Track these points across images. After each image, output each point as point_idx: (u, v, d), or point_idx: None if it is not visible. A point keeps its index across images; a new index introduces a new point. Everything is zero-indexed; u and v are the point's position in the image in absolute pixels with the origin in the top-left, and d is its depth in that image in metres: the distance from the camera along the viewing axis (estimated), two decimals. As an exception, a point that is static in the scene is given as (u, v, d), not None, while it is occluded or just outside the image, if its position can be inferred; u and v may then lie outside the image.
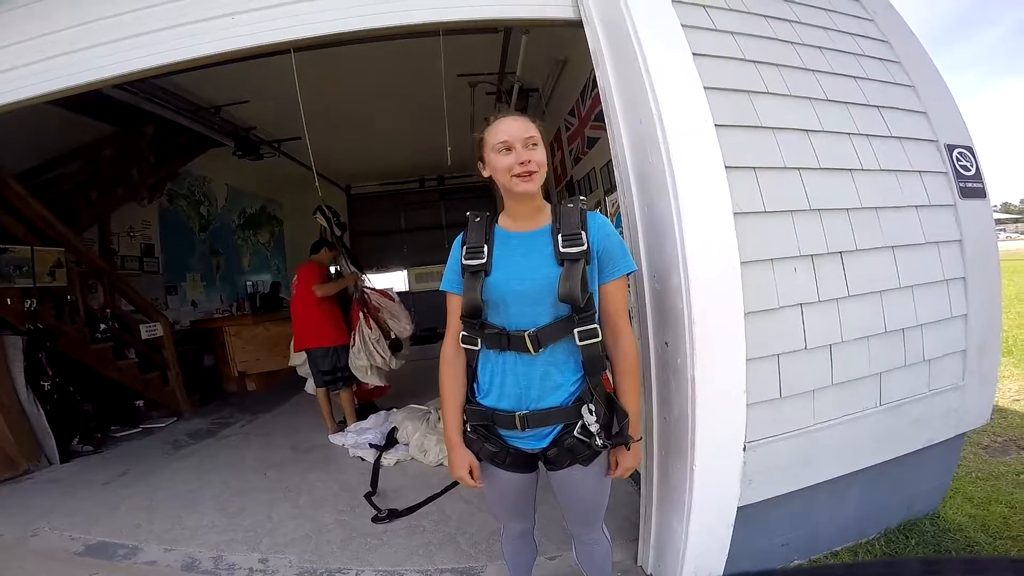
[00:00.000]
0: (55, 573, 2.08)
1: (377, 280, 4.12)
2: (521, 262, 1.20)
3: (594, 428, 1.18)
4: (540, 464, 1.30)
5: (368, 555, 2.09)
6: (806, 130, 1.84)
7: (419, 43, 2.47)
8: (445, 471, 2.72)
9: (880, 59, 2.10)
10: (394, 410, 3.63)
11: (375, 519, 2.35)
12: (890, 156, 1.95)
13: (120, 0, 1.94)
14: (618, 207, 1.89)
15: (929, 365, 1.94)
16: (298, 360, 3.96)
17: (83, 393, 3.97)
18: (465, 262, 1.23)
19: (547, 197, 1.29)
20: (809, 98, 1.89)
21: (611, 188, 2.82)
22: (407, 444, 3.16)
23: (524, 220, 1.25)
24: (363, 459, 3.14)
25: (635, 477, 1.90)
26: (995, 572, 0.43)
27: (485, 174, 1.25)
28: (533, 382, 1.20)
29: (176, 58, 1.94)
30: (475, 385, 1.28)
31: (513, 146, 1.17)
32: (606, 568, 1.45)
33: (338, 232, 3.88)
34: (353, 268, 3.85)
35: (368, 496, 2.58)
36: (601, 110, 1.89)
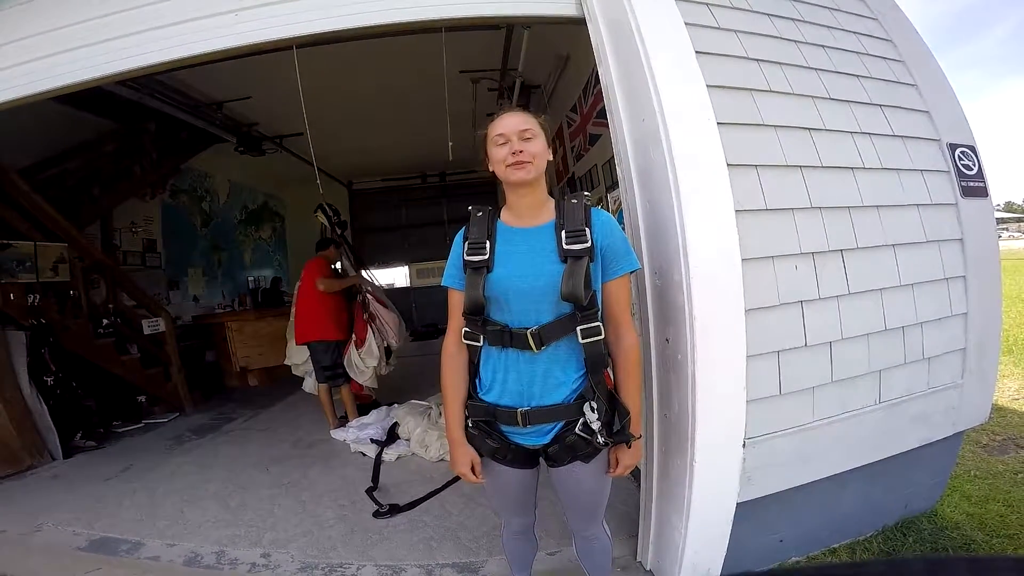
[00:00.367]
0: (58, 569, 2.09)
1: (379, 276, 4.12)
2: (524, 259, 1.20)
3: (595, 426, 1.18)
4: (541, 460, 1.31)
5: (369, 550, 2.10)
6: (808, 128, 1.84)
7: (421, 39, 2.46)
8: (446, 466, 2.74)
9: (883, 58, 2.10)
10: (395, 405, 3.65)
11: (376, 514, 2.37)
12: (892, 155, 1.95)
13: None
14: (620, 204, 1.89)
15: (929, 363, 1.95)
16: (295, 358, 3.97)
17: (86, 388, 3.99)
18: (467, 258, 1.23)
19: (551, 193, 1.30)
20: (812, 96, 1.88)
21: (613, 185, 2.82)
22: (408, 439, 3.17)
23: (527, 215, 1.25)
24: (364, 454, 3.15)
25: (635, 473, 1.91)
26: (1000, 572, 0.43)
27: (489, 169, 1.27)
28: (535, 379, 1.20)
29: (180, 55, 1.95)
30: (477, 381, 1.29)
31: (509, 138, 1.19)
32: (606, 563, 1.46)
33: (338, 230, 3.90)
34: (354, 269, 3.87)
35: (369, 491, 2.59)
36: (603, 107, 1.89)
